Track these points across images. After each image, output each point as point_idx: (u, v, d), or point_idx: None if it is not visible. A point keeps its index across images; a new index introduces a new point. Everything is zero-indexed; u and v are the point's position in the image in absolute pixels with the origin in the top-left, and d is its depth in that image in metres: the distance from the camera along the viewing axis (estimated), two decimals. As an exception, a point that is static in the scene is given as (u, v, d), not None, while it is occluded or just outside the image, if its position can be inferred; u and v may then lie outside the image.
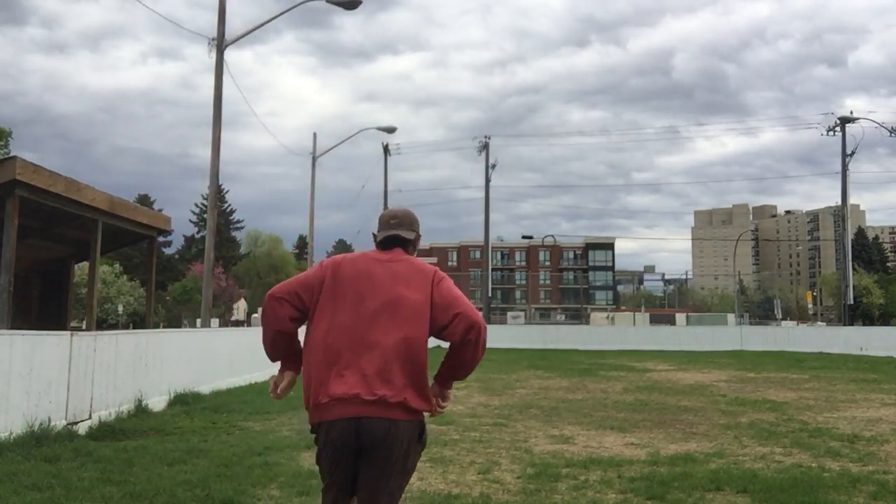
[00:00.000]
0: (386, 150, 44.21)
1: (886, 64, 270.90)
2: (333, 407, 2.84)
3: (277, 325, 3.01)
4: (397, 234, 3.18)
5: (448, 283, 3.07)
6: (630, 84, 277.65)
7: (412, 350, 2.90)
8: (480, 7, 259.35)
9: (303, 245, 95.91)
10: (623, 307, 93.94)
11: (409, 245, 3.21)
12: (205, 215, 72.90)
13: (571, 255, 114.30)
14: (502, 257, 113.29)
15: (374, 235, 3.24)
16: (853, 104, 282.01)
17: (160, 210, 42.05)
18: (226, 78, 18.71)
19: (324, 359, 2.89)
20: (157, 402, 10.58)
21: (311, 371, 2.94)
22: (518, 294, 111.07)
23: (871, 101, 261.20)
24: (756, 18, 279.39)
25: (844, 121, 38.31)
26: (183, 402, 11.09)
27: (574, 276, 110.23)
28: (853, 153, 37.91)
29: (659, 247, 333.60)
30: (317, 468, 3.07)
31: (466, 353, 2.96)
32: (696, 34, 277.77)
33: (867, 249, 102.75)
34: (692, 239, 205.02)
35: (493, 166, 43.68)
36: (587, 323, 58.82)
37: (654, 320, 58.90)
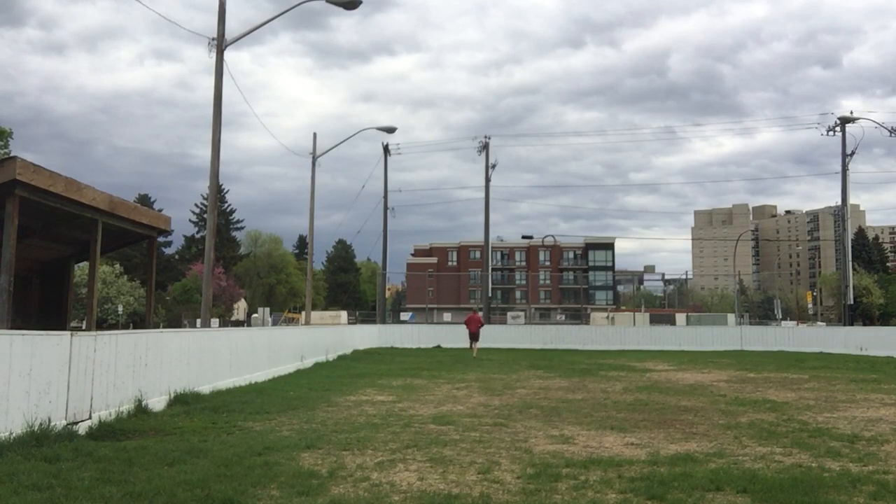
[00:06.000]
0: (386, 149, 44.14)
1: (881, 65, 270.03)
2: (471, 329, 27.78)
3: (468, 326, 28.12)
4: (475, 311, 31.83)
5: (478, 315, 30.16)
6: (626, 85, 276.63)
7: (477, 326, 27.90)
8: (475, 8, 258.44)
9: (303, 245, 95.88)
10: (623, 307, 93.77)
11: (474, 310, 33.59)
12: (205, 215, 72.83)
13: (571, 255, 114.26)
14: (502, 257, 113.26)
15: (473, 309, 37.72)
16: (848, 105, 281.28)
17: (160, 210, 42.06)
18: (225, 78, 18.72)
19: (470, 327, 27.87)
20: (157, 402, 10.59)
21: (469, 328, 27.94)
22: (518, 294, 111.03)
23: (867, 102, 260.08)
24: (751, 19, 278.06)
25: (844, 121, 38.24)
26: (183, 402, 11.10)
27: (574, 276, 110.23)
28: (853, 153, 37.89)
29: (658, 247, 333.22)
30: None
31: (480, 325, 28.28)
32: (691, 35, 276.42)
33: (867, 249, 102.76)
34: (692, 239, 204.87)
35: (494, 166, 43.68)
36: (587, 323, 58.67)
37: (654, 320, 58.78)
